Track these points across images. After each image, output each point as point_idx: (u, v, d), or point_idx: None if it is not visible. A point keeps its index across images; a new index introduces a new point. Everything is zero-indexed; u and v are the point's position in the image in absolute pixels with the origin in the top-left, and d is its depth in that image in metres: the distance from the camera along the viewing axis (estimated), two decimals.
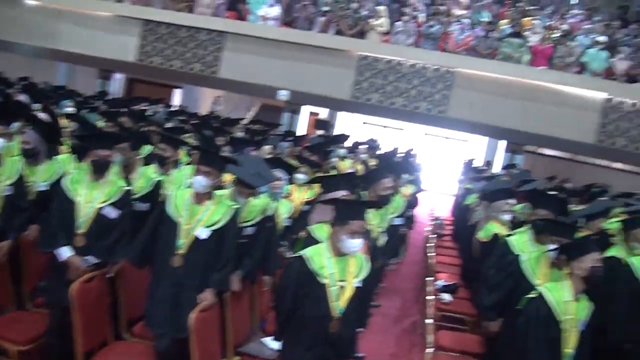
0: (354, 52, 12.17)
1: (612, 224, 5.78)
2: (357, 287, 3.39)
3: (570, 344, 3.40)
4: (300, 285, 3.34)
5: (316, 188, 5.41)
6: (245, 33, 12.32)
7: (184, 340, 3.61)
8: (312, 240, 3.77)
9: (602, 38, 12.02)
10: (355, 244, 3.29)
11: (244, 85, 12.56)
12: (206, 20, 12.50)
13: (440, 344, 4.75)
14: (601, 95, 11.42)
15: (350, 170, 8.04)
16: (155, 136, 5.73)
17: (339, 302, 3.32)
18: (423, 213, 11.00)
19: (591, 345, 3.56)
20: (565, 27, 12.54)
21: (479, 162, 13.27)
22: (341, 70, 12.16)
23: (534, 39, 11.98)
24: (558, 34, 12.08)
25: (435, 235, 8.41)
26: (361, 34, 12.26)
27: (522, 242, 4.32)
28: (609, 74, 11.60)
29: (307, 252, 3.39)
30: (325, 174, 5.98)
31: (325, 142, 8.41)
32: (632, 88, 11.40)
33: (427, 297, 5.18)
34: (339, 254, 3.34)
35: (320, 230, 3.88)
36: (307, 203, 5.53)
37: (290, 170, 5.38)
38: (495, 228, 5.24)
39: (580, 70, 11.63)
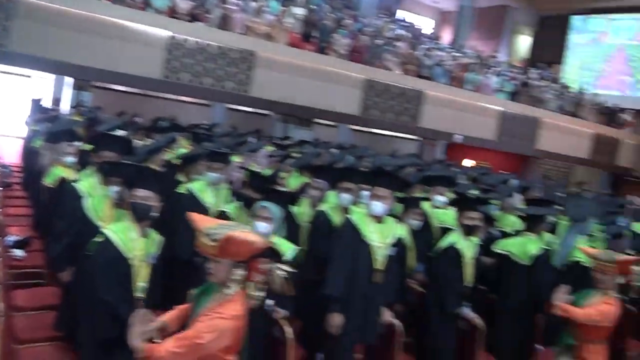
0: None
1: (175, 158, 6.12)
2: None
3: (141, 277, 3.50)
4: None
5: None
6: None
7: None
8: None
9: None
10: None
11: None
12: None
13: (15, 304, 4.42)
14: (166, 33, 11.85)
15: None
16: None
17: None
18: None
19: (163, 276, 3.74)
20: None
21: (48, 101, 12.36)
22: None
23: None
24: None
25: (3, 186, 7.62)
26: None
27: (88, 186, 4.22)
28: (172, 12, 12.10)
29: None
30: None
31: None
32: (194, 27, 12.23)
33: None
34: None
35: None
36: None
37: None
38: (61, 172, 5.02)
39: (144, 7, 11.79)
